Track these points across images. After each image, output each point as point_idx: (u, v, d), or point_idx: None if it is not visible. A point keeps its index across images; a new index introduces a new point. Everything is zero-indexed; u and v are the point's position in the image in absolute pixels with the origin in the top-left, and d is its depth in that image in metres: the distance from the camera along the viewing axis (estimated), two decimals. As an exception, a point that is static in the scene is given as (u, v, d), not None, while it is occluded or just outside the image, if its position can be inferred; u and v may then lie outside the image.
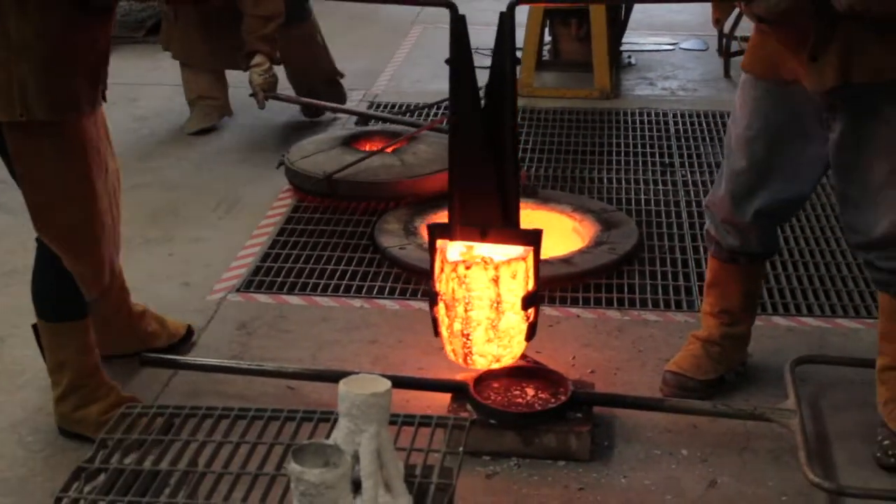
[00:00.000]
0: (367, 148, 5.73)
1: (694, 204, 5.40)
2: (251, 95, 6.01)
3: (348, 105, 6.73)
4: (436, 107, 6.56)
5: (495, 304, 3.38)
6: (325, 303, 4.48)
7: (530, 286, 3.39)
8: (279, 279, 4.67)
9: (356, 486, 2.26)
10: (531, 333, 3.48)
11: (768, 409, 3.52)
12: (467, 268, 3.36)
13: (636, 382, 3.87)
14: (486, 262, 3.37)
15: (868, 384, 3.63)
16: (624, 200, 5.45)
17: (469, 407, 3.51)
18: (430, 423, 2.67)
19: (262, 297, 4.52)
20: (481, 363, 3.49)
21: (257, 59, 5.88)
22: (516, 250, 3.39)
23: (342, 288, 4.60)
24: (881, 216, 3.26)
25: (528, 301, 3.39)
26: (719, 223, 3.62)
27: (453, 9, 3.22)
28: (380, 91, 7.33)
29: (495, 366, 3.51)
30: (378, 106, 6.96)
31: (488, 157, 3.30)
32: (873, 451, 3.45)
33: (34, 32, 3.08)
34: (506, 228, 3.35)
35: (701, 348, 3.80)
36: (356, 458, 2.24)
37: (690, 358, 3.81)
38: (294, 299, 4.51)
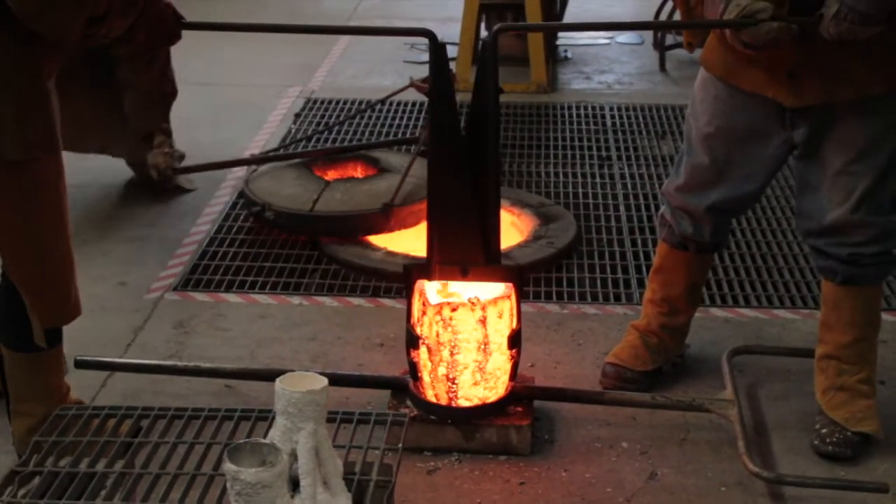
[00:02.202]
0: (333, 176, 5.34)
1: (631, 197, 5.42)
2: (159, 178, 5.08)
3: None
4: (384, 103, 6.47)
5: (482, 346, 3.34)
6: (264, 300, 4.45)
7: (514, 324, 3.38)
8: (217, 277, 4.63)
9: (294, 485, 2.24)
10: (514, 373, 3.46)
11: (707, 399, 3.53)
12: (453, 310, 3.30)
13: (576, 376, 3.88)
14: (472, 303, 3.31)
15: (805, 374, 3.66)
16: (562, 194, 5.46)
17: (409, 403, 3.50)
18: (368, 419, 2.66)
19: (200, 296, 4.49)
20: (466, 406, 3.44)
21: (159, 138, 4.99)
22: (497, 287, 3.36)
23: (280, 285, 4.57)
24: (834, 203, 3.33)
25: (514, 340, 3.38)
26: (674, 209, 3.65)
27: (432, 38, 3.17)
28: (316, 87, 7.29)
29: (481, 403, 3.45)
30: (315, 102, 6.92)
31: (470, 190, 3.26)
32: (811, 439, 3.48)
33: (13, 66, 2.92)
34: (487, 265, 3.32)
35: (639, 339, 3.83)
36: (294, 456, 2.23)
37: (629, 349, 3.83)
38: (232, 297, 4.48)
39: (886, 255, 3.37)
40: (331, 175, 5.34)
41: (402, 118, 6.55)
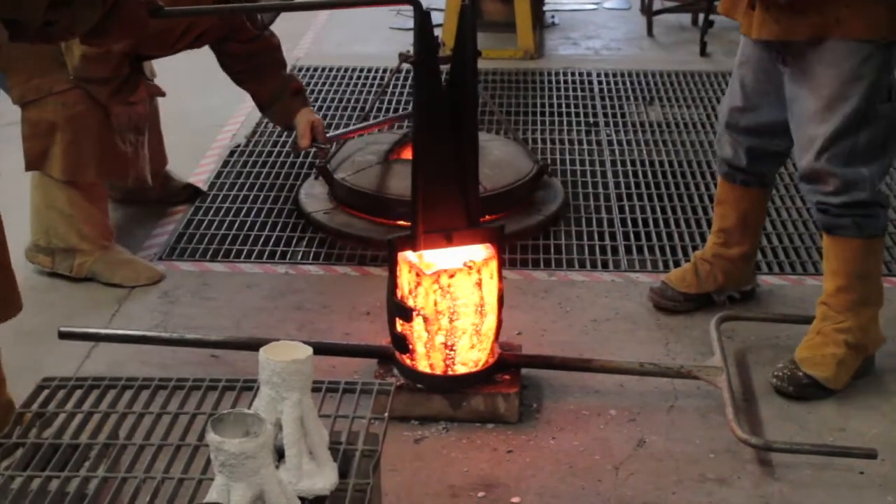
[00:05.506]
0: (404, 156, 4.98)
1: (619, 163, 5.40)
2: (322, 157, 4.83)
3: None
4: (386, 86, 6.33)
5: (479, 308, 3.34)
6: (249, 269, 4.42)
7: (498, 284, 3.39)
8: (202, 246, 4.60)
9: (280, 455, 2.23)
10: (499, 332, 3.47)
11: (695, 366, 3.53)
12: (451, 276, 3.29)
13: (563, 343, 3.86)
14: (469, 266, 3.31)
15: (793, 340, 3.66)
16: (549, 161, 5.43)
17: (396, 371, 3.49)
18: (354, 388, 2.64)
19: (185, 265, 4.46)
20: (462, 371, 3.43)
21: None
22: (479, 249, 3.37)
23: (266, 254, 4.54)
24: (804, 150, 3.45)
25: (501, 299, 3.39)
26: (721, 132, 3.86)
27: (417, 6, 3.17)
28: (302, 54, 7.24)
29: (473, 370, 3.44)
30: (301, 69, 6.86)
31: (452, 157, 3.26)
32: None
33: None
34: (469, 229, 3.32)
35: (692, 264, 4.03)
36: (279, 426, 2.21)
37: (680, 271, 4.06)
38: (217, 266, 4.45)
39: (856, 207, 3.43)
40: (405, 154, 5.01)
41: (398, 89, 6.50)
